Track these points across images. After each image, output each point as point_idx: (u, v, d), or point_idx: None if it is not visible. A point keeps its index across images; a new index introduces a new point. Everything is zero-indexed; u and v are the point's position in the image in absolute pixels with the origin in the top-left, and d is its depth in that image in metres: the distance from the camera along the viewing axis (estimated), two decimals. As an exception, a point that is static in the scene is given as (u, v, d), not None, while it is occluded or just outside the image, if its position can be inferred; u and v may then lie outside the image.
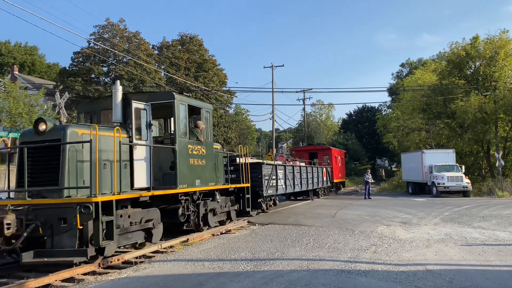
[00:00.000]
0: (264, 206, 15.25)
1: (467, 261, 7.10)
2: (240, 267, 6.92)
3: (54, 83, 37.31)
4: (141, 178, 8.64)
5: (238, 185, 12.60)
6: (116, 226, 7.28)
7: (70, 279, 6.63)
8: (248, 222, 12.71)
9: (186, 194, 9.68)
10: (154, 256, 8.09)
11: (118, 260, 7.62)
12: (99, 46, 35.20)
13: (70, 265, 6.82)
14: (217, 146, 12.16)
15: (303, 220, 12.99)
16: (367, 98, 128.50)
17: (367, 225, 11.79)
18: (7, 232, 6.48)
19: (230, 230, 11.05)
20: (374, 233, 10.25)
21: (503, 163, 26.67)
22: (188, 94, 10.76)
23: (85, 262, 7.02)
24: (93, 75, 36.59)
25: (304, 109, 55.12)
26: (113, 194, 7.32)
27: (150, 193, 8.32)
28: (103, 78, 37.86)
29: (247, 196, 12.91)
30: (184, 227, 10.35)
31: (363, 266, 6.76)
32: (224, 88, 46.14)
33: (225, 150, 16.32)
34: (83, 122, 9.72)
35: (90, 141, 6.95)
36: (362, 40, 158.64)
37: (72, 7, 69.81)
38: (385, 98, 77.75)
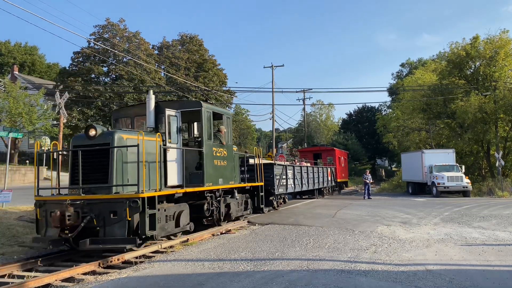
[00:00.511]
0: (275, 203, 16.19)
1: (467, 261, 7.10)
2: (240, 267, 6.91)
3: (54, 83, 37.30)
4: (173, 177, 9.62)
5: (253, 184, 13.52)
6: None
7: (70, 279, 6.63)
8: (248, 222, 12.71)
9: (210, 191, 10.75)
10: (154, 256, 8.10)
11: (118, 260, 7.65)
12: (99, 46, 35.18)
13: (121, 251, 7.98)
14: (234, 148, 13.01)
15: (303, 220, 12.98)
16: (367, 98, 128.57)
17: (367, 225, 11.78)
18: (68, 223, 7.46)
19: (230, 230, 11.05)
20: (374, 233, 10.25)
21: (503, 163, 26.66)
22: (211, 102, 11.57)
23: (130, 250, 8.03)
24: (93, 75, 36.58)
25: (304, 109, 55.20)
26: (155, 191, 8.32)
27: (183, 190, 9.40)
28: (103, 78, 37.85)
29: (261, 194, 13.98)
30: (205, 221, 11.01)
31: (363, 266, 6.76)
32: (224, 88, 46.13)
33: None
34: (118, 127, 10.65)
35: (137, 145, 7.85)
36: (362, 40, 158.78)
37: (72, 7, 69.87)
38: (385, 98, 77.78)
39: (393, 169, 61.87)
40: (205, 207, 10.48)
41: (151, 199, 8.00)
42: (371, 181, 24.92)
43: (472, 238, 9.35)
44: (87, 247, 7.45)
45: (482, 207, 16.62)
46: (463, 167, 26.08)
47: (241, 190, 12.98)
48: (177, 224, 9.25)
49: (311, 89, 55.48)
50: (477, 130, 27.77)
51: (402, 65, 64.07)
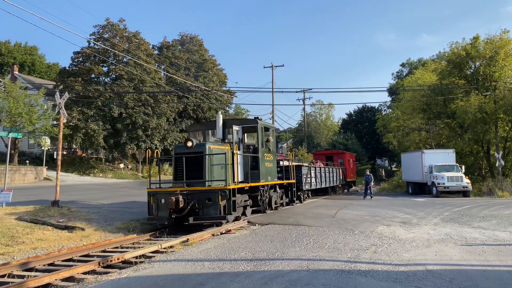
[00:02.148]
0: (302, 198, 19.71)
1: (467, 261, 7.10)
2: (240, 267, 6.91)
3: (54, 83, 37.25)
4: (239, 175, 12.70)
5: (289, 181, 17.10)
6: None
7: (70, 279, 6.63)
8: (248, 222, 12.69)
9: (263, 186, 14.18)
10: (154, 256, 8.09)
11: (118, 259, 7.64)
12: (99, 46, 35.15)
13: (212, 224, 11.52)
14: None
15: (303, 220, 12.97)
16: (367, 98, 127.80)
17: (367, 225, 11.78)
18: (181, 206, 10.75)
19: (230, 230, 11.04)
20: (374, 233, 10.24)
21: (503, 163, 26.63)
22: (260, 118, 14.80)
23: (216, 225, 11.41)
24: (93, 75, 36.53)
25: (304, 109, 55.25)
26: (235, 184, 11.83)
27: (249, 185, 12.96)
28: (103, 78, 37.81)
29: (294, 189, 17.55)
30: (274, 207, 15.17)
31: (363, 266, 6.76)
32: (224, 88, 46.12)
33: None
34: (193, 138, 13.57)
35: (225, 153, 11.54)
36: (361, 40, 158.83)
37: (72, 7, 69.85)
38: (385, 98, 77.74)
39: (393, 169, 61.77)
40: (259, 197, 13.97)
41: (233, 190, 11.36)
42: (372, 184, 24.75)
43: (472, 238, 9.35)
44: (193, 222, 10.78)
45: (482, 207, 16.62)
46: (463, 167, 26.05)
47: (279, 186, 16.22)
48: (243, 210, 12.54)
49: (311, 89, 55.71)
50: (477, 130, 27.72)
51: (402, 65, 64.01)
